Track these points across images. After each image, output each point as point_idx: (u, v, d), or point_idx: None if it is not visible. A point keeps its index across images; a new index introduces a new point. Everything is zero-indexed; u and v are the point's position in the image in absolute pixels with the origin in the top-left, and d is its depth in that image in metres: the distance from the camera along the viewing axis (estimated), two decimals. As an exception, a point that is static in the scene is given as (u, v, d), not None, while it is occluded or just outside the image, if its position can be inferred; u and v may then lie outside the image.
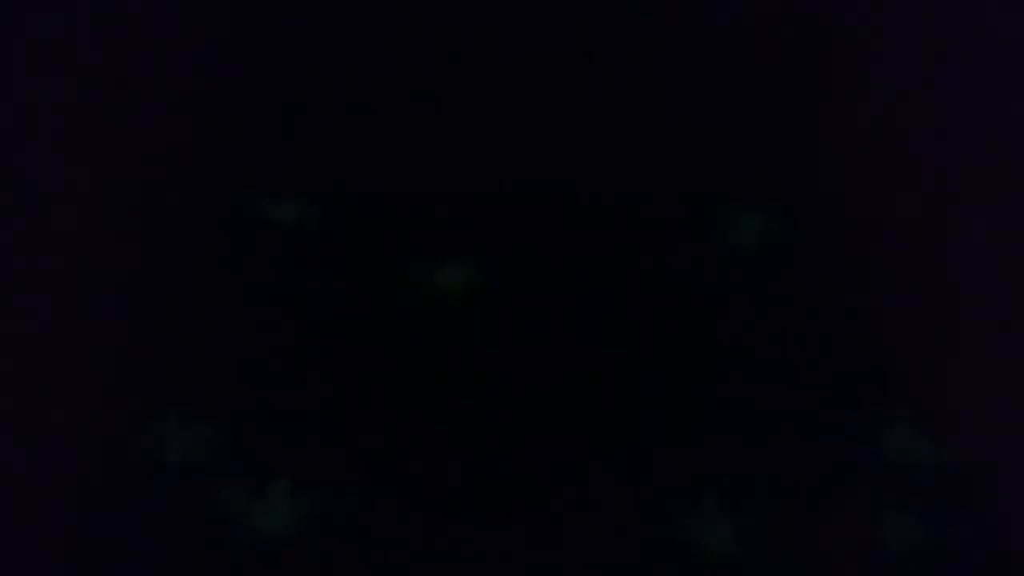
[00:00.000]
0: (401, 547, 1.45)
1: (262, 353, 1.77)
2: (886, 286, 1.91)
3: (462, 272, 1.99)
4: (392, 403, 1.70)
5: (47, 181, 1.30)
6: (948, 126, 1.78)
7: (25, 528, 1.27)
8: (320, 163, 2.27)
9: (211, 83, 2.09)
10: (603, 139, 2.30)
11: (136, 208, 1.63)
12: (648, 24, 2.19)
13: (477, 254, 2.08)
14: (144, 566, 1.40)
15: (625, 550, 1.45)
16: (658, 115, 2.26)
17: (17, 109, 1.20)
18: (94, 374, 1.47)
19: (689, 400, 1.74)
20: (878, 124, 2.03)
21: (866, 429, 1.67)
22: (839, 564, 1.43)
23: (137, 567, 1.39)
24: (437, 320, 1.90)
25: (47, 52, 1.29)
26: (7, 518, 1.23)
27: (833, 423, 1.69)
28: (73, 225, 1.39)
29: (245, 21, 2.13)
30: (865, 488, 1.55)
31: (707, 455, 1.62)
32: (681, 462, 1.60)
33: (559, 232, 2.17)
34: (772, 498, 1.53)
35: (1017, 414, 1.58)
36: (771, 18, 2.20)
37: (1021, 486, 1.49)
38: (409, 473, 1.57)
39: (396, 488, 1.54)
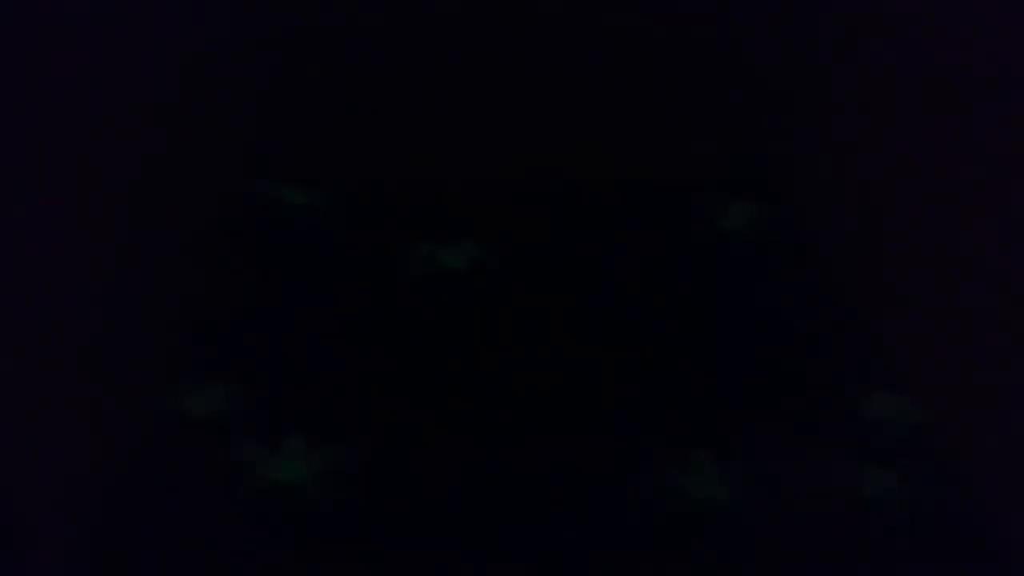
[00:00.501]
0: (409, 497, 1.52)
1: (278, 319, 1.85)
2: (871, 263, 1.98)
3: (465, 253, 2.07)
4: (400, 365, 1.77)
5: (86, 160, 1.38)
6: (941, 120, 1.85)
7: (54, 481, 1.32)
8: (330, 150, 2.34)
9: (225, 72, 2.16)
10: (600, 130, 2.37)
11: (160, 188, 1.71)
12: (646, 20, 2.26)
13: (479, 238, 2.15)
14: (166, 515, 1.46)
15: (617, 498, 1.53)
16: (653, 107, 2.33)
17: (42, 99, 1.27)
18: (123, 337, 1.54)
19: (683, 364, 1.81)
20: (868, 117, 2.10)
21: (850, 391, 1.75)
22: (819, 510, 1.51)
23: (159, 516, 1.46)
24: (441, 293, 1.98)
25: (62, 42, 1.36)
26: (39, 472, 1.28)
27: (819, 386, 1.77)
28: (103, 204, 1.46)
29: (257, 12, 2.20)
30: (846, 443, 1.63)
31: (700, 413, 1.70)
32: (674, 419, 1.68)
33: (557, 218, 2.24)
34: (759, 451, 1.61)
35: (988, 380, 1.65)
36: (765, 14, 2.27)
37: (988, 443, 1.57)
38: (417, 429, 1.64)
39: (406, 443, 1.62)
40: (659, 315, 1.96)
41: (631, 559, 1.44)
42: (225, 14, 2.13)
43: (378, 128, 2.37)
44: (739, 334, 1.91)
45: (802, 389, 1.77)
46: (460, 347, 1.85)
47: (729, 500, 1.52)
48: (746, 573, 1.41)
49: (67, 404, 1.37)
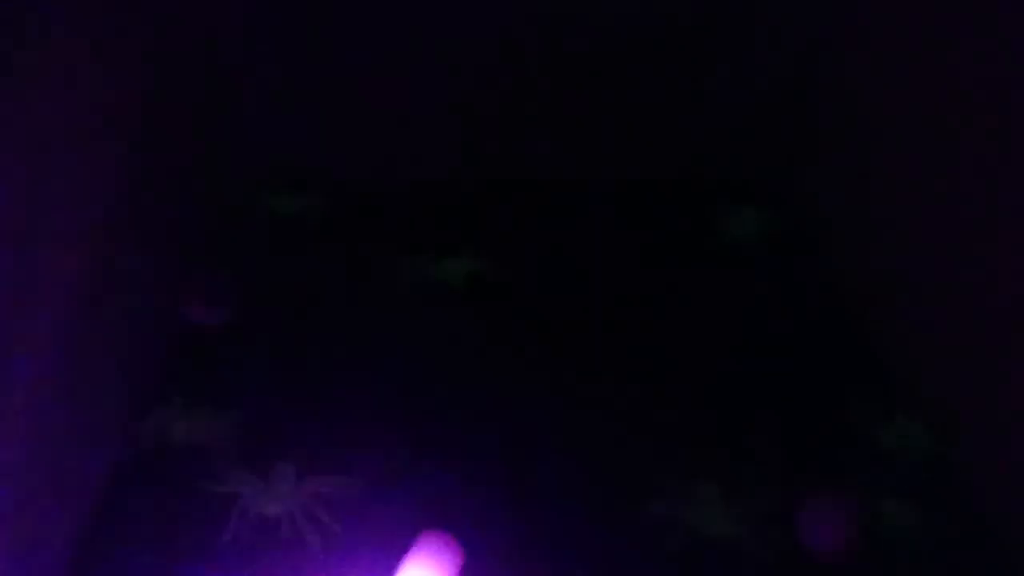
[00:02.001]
0: (402, 530, 1.45)
1: (267, 339, 1.78)
2: (886, 280, 1.92)
3: (463, 263, 2.00)
4: (394, 388, 1.70)
5: (57, 172, 1.31)
6: (952, 124, 1.79)
7: (36, 511, 1.27)
8: (323, 156, 2.27)
9: (220, 75, 2.10)
10: (607, 135, 2.31)
11: (144, 197, 1.64)
12: (653, 21, 2.20)
13: (478, 246, 2.08)
14: (150, 547, 1.40)
15: (625, 532, 1.46)
16: (662, 110, 2.27)
17: (32, 103, 1.20)
18: (102, 360, 1.48)
19: (689, 387, 1.74)
20: (881, 120, 2.03)
21: (865, 419, 1.68)
22: (836, 547, 1.44)
23: (143, 548, 1.40)
24: (438, 308, 1.91)
25: (57, 47, 1.30)
26: (19, 503, 1.23)
27: (833, 413, 1.70)
28: (82, 214, 1.40)
29: (256, 15, 2.14)
30: (863, 475, 1.56)
31: (707, 442, 1.63)
32: (680, 448, 1.61)
33: (560, 222, 2.17)
34: (771, 484, 1.54)
35: (1013, 405, 1.58)
36: (772, 19, 2.21)
37: (1016, 474, 1.50)
38: (410, 458, 1.57)
39: (398, 472, 1.55)
40: (663, 331, 1.89)
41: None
42: (228, 16, 2.07)
43: (371, 134, 2.30)
44: (748, 353, 1.84)
45: (814, 416, 1.71)
46: (457, 368, 1.78)
47: (737, 536, 1.45)
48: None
49: (48, 434, 1.31)
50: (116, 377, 1.55)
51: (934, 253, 1.75)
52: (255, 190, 2.23)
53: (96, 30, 1.43)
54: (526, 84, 2.25)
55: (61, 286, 1.33)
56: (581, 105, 2.28)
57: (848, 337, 1.92)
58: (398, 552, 1.42)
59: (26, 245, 1.23)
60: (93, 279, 1.45)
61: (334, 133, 2.27)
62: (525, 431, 1.64)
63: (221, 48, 2.09)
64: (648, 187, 2.34)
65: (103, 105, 1.46)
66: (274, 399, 1.66)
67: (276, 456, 1.55)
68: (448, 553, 1.36)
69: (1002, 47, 1.62)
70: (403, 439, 1.61)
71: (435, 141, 2.29)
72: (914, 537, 1.47)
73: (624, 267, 2.07)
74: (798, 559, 1.43)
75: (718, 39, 2.22)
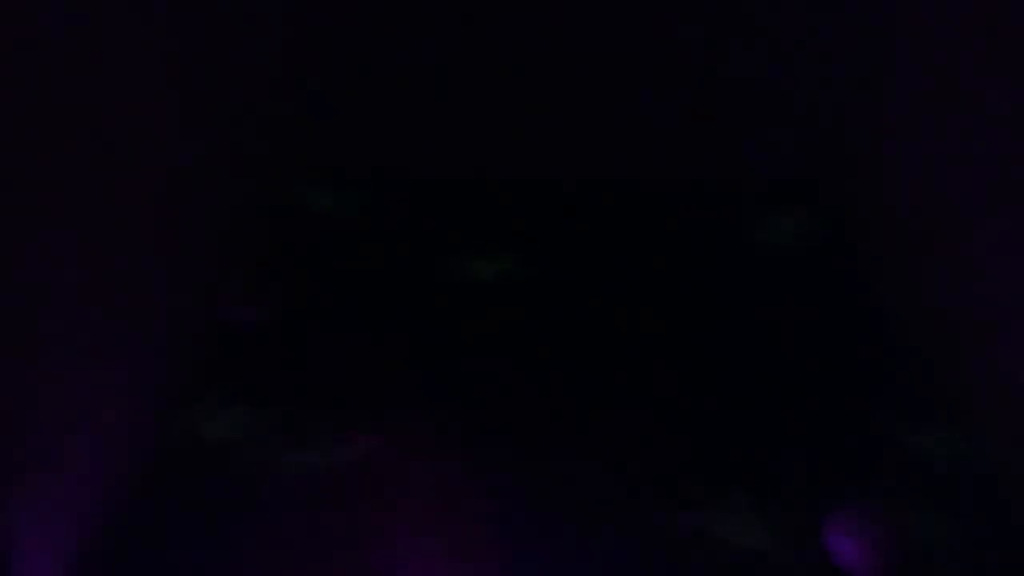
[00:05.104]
0: (435, 524, 1.47)
1: (301, 334, 1.80)
2: (920, 286, 1.90)
3: (498, 261, 2.00)
4: (427, 384, 1.72)
5: (105, 166, 1.33)
6: (989, 128, 1.77)
7: (71, 506, 1.29)
8: (360, 152, 2.29)
9: (256, 72, 2.12)
10: (644, 137, 2.31)
11: (181, 195, 1.66)
12: (687, 22, 2.19)
13: (514, 244, 2.09)
14: (183, 540, 1.42)
15: (653, 544, 1.47)
16: (697, 114, 2.27)
17: (78, 106, 1.22)
18: (136, 354, 1.50)
19: (719, 395, 1.74)
20: (918, 125, 2.02)
21: (895, 427, 1.67)
22: (866, 559, 1.44)
23: (176, 541, 1.42)
24: (472, 305, 1.92)
25: (96, 48, 1.31)
26: (55, 497, 1.25)
27: (864, 421, 1.69)
28: (119, 212, 1.42)
29: (288, 16, 2.15)
30: (893, 484, 1.55)
31: (735, 451, 1.63)
32: (709, 457, 1.61)
33: (595, 226, 2.18)
34: (800, 494, 1.54)
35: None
36: (811, 19, 2.20)
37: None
38: (445, 457, 1.59)
39: (431, 465, 1.56)
40: (692, 336, 1.90)
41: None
42: (262, 17, 2.08)
43: (409, 131, 2.32)
44: (779, 359, 1.84)
45: (844, 423, 1.70)
46: (491, 361, 1.79)
47: (766, 546, 1.45)
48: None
49: (84, 429, 1.33)
50: (153, 375, 1.57)
51: (968, 257, 1.74)
52: (292, 186, 2.25)
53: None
54: (560, 82, 2.25)
55: (100, 279, 1.35)
56: (616, 102, 2.28)
57: (879, 344, 1.91)
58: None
59: (69, 237, 1.25)
60: (131, 276, 1.47)
61: (371, 129, 2.29)
62: (551, 436, 1.65)
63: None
64: (683, 188, 2.33)
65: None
66: (310, 398, 1.68)
67: (312, 451, 1.57)
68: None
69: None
70: (436, 433, 1.62)
71: (469, 138, 2.30)
72: (945, 547, 1.46)
73: (655, 270, 2.07)
74: (828, 571, 1.43)
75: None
